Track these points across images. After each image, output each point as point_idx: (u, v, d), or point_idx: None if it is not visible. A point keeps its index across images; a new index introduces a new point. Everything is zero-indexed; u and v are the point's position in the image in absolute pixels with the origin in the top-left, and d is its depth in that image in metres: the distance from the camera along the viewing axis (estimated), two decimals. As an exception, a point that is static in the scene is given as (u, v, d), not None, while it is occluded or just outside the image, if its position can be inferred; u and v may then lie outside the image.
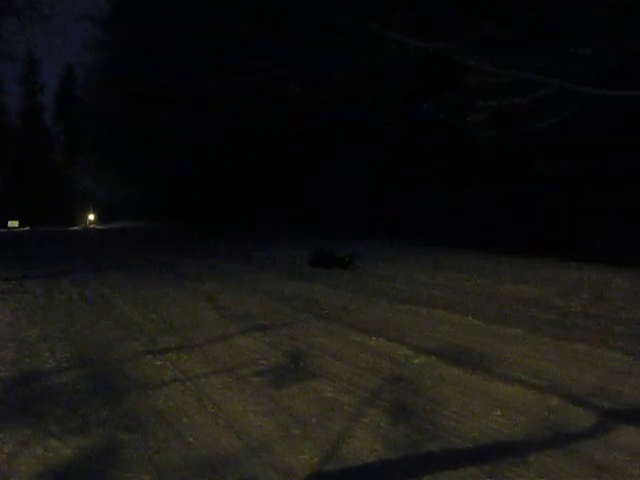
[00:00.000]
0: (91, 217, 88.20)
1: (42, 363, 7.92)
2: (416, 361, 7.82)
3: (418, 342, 8.68)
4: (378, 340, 8.86)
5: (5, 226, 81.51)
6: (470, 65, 14.30)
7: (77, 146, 79.76)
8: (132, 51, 40.70)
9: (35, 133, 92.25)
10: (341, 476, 5.00)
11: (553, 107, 14.21)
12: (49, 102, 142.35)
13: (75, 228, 76.24)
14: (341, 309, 11.28)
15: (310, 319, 10.36)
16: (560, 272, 12.96)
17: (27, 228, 78.59)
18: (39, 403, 6.43)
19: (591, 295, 11.46)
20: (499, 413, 6.04)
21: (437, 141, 19.25)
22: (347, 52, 17.98)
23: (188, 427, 5.83)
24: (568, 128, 14.76)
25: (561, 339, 8.62)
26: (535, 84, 13.77)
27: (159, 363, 7.93)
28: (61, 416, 6.07)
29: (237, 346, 8.76)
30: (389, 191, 22.75)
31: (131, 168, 53.29)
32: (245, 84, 27.34)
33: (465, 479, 4.81)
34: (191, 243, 29.65)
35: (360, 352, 8.35)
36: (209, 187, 38.72)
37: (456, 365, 7.55)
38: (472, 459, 5.13)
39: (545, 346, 8.39)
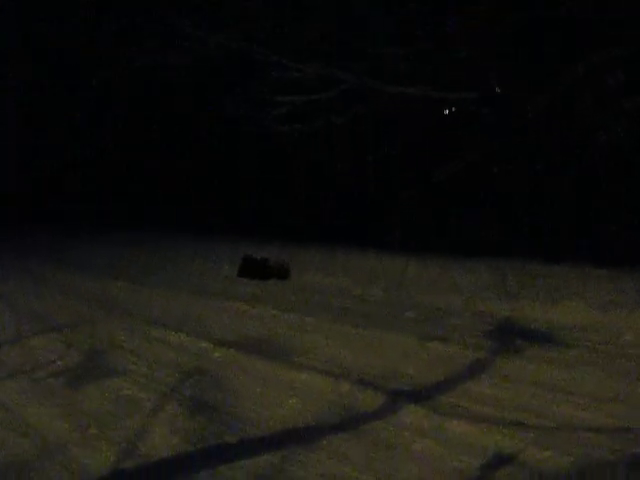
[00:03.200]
0: None
1: None
2: (216, 354, 7.90)
3: (218, 335, 8.74)
4: (179, 335, 8.84)
5: None
6: (271, 61, 14.48)
7: None
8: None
9: None
10: (138, 473, 4.99)
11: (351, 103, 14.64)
12: None
13: None
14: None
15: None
16: (359, 261, 13.46)
17: None
18: None
19: (387, 283, 11.99)
20: (294, 401, 6.24)
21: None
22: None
23: (-23, 435, 5.59)
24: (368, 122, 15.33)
25: (357, 326, 8.97)
26: (336, 81, 14.15)
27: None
28: None
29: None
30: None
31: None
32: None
33: (261, 466, 4.94)
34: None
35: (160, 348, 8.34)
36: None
37: (255, 356, 7.68)
38: (268, 446, 5.27)
39: (341, 334, 8.70)
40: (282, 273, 13.43)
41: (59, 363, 7.75)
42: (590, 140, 12.50)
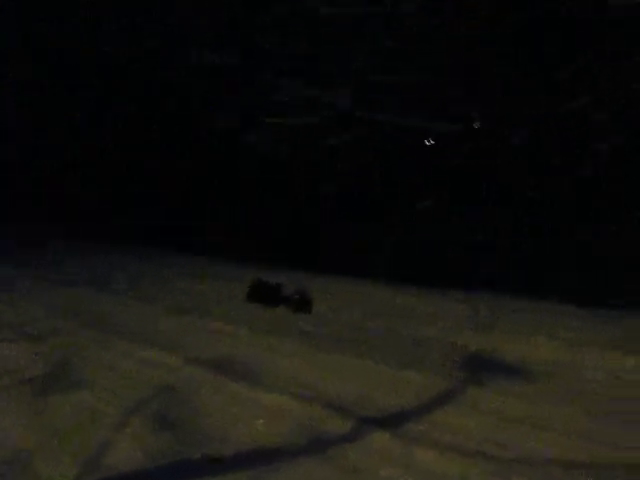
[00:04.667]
0: None
1: None
2: (186, 371, 7.85)
3: (190, 353, 8.70)
4: (150, 350, 8.78)
5: None
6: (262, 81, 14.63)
7: None
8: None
9: None
10: (100, 486, 4.95)
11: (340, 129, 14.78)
12: None
13: None
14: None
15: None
16: (334, 285, 13.48)
17: None
18: None
19: (363, 309, 12.01)
20: (262, 421, 6.22)
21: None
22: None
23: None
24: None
25: (330, 352, 8.98)
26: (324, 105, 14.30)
27: None
28: None
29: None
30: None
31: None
32: None
33: (226, 485, 4.93)
34: None
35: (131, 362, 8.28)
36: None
37: (225, 375, 7.65)
38: (234, 466, 5.26)
39: (311, 357, 8.70)
40: (302, 305, 12.06)
41: (26, 373, 7.66)
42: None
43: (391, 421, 6.29)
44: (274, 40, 14.95)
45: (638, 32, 10.70)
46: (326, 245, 16.92)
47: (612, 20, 10.88)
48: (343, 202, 16.72)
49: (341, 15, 13.63)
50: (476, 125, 14.35)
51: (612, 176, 12.07)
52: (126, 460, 5.33)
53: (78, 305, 11.96)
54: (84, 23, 20.31)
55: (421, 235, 15.16)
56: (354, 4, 13.56)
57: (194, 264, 16.97)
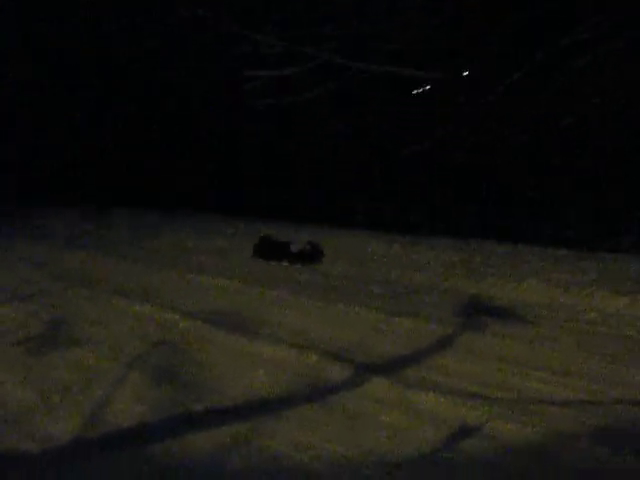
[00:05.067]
0: None
1: None
2: (182, 325, 7.85)
3: (185, 307, 8.68)
4: (143, 306, 8.75)
5: None
6: (242, 34, 14.36)
7: None
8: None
9: None
10: (102, 441, 4.95)
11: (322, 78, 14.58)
12: None
13: None
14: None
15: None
16: (323, 239, 13.47)
17: None
18: None
19: (351, 259, 12.04)
20: (261, 372, 6.22)
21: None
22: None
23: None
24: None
25: (323, 300, 8.99)
26: (306, 56, 14.07)
27: None
28: None
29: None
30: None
31: None
32: None
33: (228, 436, 4.94)
34: None
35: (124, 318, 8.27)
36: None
37: (221, 328, 7.63)
38: (235, 417, 5.26)
39: (308, 307, 8.71)
40: (313, 256, 12.07)
41: (20, 332, 7.62)
42: (555, 125, 12.63)
43: (388, 367, 6.32)
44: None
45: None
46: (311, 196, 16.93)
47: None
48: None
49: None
50: (465, 73, 14.17)
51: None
52: (128, 414, 5.32)
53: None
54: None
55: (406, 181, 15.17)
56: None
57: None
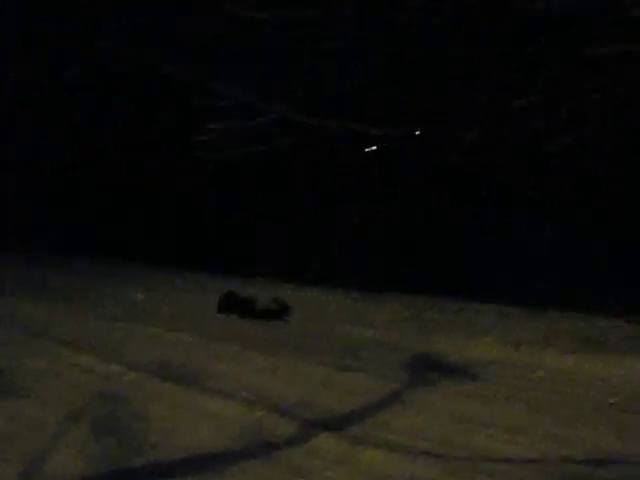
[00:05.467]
0: None
1: None
2: (127, 378, 7.68)
3: (131, 359, 8.52)
4: (88, 356, 8.57)
5: None
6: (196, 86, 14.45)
7: None
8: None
9: None
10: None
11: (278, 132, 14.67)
12: None
13: None
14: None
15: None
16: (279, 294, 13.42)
17: None
18: None
19: (306, 312, 11.97)
20: (206, 427, 6.12)
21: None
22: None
23: None
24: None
25: (272, 355, 8.89)
26: (262, 109, 14.16)
27: None
28: None
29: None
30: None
31: None
32: None
33: (169, 492, 4.81)
34: None
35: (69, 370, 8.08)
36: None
37: (168, 381, 7.50)
38: (177, 472, 5.15)
39: (253, 361, 8.61)
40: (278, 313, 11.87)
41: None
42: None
43: (336, 423, 6.23)
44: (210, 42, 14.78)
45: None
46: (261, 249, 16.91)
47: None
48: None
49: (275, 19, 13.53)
50: (417, 131, 14.39)
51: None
52: (68, 468, 5.17)
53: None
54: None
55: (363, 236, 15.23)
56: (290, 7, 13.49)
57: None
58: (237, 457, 5.42)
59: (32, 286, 15.29)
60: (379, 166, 14.71)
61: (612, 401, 7.17)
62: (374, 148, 14.86)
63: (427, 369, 8.37)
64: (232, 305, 12.25)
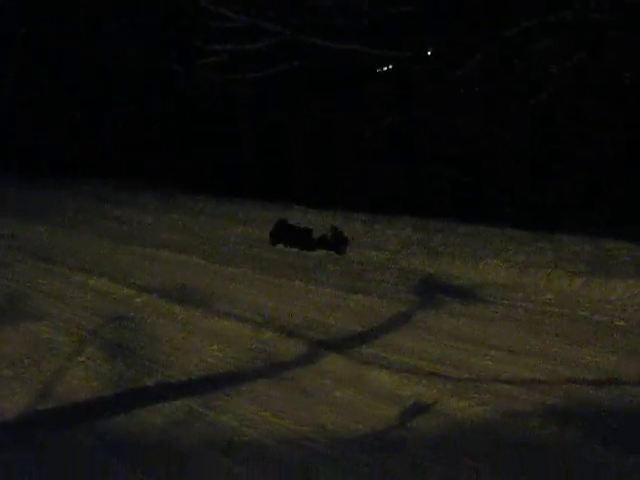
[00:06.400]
0: None
1: None
2: (138, 300, 7.77)
3: (142, 282, 8.60)
4: (99, 280, 8.65)
5: None
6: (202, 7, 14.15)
7: None
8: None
9: None
10: (54, 415, 4.91)
11: (284, 55, 14.43)
12: None
13: None
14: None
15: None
16: (284, 215, 13.39)
17: None
18: None
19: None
20: (215, 347, 6.22)
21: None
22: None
23: None
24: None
25: (280, 277, 8.95)
26: (268, 32, 13.91)
27: None
28: None
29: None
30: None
31: None
32: None
33: (179, 410, 4.94)
34: None
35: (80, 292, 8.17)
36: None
37: (178, 303, 7.59)
38: (187, 391, 5.26)
39: (265, 284, 8.66)
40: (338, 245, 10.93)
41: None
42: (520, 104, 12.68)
43: (343, 344, 6.33)
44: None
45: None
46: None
47: None
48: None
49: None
50: (429, 51, 14.16)
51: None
52: (81, 388, 5.29)
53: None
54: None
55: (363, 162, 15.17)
56: None
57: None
58: (245, 377, 5.52)
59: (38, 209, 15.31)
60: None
61: (619, 324, 7.23)
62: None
63: (435, 291, 8.41)
64: (286, 235, 11.48)
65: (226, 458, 4.28)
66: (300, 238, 11.27)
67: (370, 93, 14.84)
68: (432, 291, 8.44)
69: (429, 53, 13.73)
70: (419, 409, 4.92)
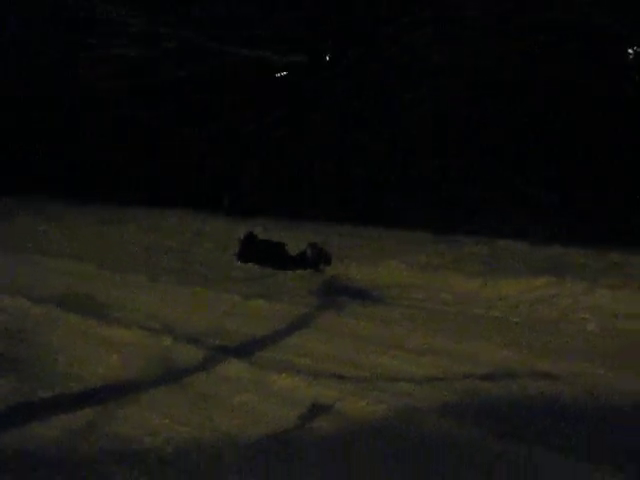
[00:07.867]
0: None
1: None
2: (33, 312, 7.51)
3: (38, 292, 8.32)
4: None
5: None
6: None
7: None
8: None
9: None
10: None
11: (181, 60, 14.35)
12: None
13: None
14: None
15: None
16: (191, 225, 13.31)
17: None
18: None
19: (215, 244, 11.94)
20: (115, 357, 6.09)
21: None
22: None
23: None
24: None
25: (180, 284, 8.86)
26: (165, 36, 13.84)
27: None
28: None
29: None
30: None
31: None
32: None
33: (77, 421, 4.80)
34: None
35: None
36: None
37: (76, 313, 7.39)
38: (86, 402, 5.12)
39: (164, 292, 8.58)
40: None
41: None
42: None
43: (242, 349, 6.34)
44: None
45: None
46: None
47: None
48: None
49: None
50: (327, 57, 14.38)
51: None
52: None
53: None
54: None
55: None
56: None
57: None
58: (144, 385, 5.42)
59: None
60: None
61: (513, 320, 7.46)
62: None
63: (336, 294, 8.48)
64: (256, 252, 10.51)
65: (123, 467, 4.16)
66: (273, 254, 10.45)
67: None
68: (333, 293, 8.50)
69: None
70: (318, 410, 4.92)
